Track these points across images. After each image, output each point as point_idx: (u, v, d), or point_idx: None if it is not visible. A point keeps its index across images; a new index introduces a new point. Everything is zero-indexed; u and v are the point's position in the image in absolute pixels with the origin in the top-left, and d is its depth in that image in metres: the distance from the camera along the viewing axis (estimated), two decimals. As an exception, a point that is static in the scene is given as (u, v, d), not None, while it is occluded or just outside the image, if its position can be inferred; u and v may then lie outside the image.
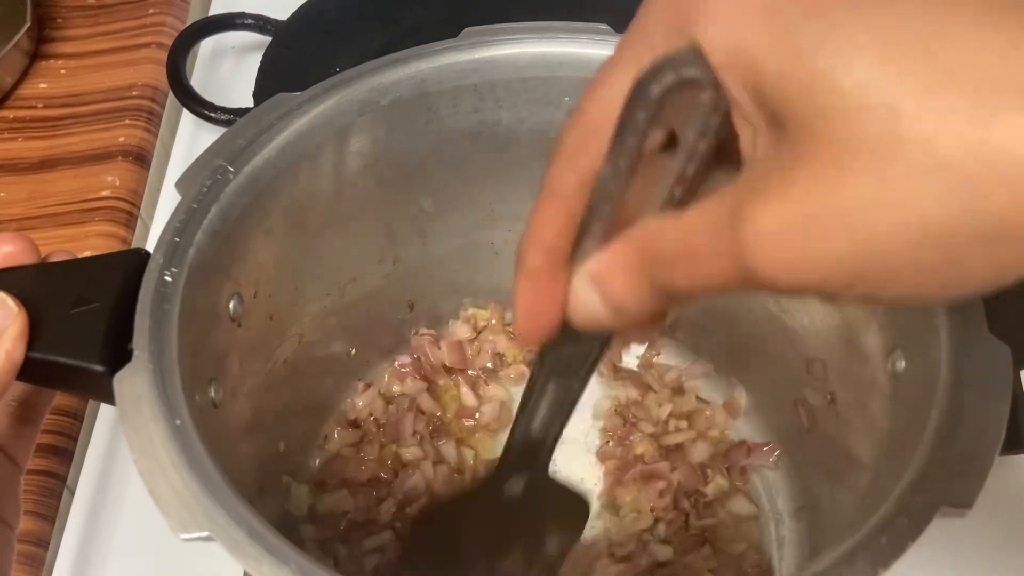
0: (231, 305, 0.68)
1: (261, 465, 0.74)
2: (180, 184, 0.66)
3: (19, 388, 0.63)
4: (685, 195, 0.43)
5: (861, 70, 0.36)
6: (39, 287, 0.60)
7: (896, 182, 0.35)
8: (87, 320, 0.59)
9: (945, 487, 0.53)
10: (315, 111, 0.71)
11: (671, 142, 0.43)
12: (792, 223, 0.37)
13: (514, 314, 0.49)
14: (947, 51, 0.35)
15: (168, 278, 0.61)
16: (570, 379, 0.55)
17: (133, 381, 0.57)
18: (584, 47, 0.73)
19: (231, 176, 0.67)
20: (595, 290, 0.45)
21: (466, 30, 0.75)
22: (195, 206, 0.65)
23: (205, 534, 0.52)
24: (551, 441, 0.60)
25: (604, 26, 0.73)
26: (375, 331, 0.90)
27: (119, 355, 0.58)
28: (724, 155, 0.43)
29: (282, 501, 0.82)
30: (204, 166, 0.67)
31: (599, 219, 0.45)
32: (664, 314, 0.47)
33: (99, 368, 0.58)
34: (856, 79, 0.36)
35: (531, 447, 0.60)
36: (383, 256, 0.83)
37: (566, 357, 0.54)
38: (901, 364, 0.65)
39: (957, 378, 0.57)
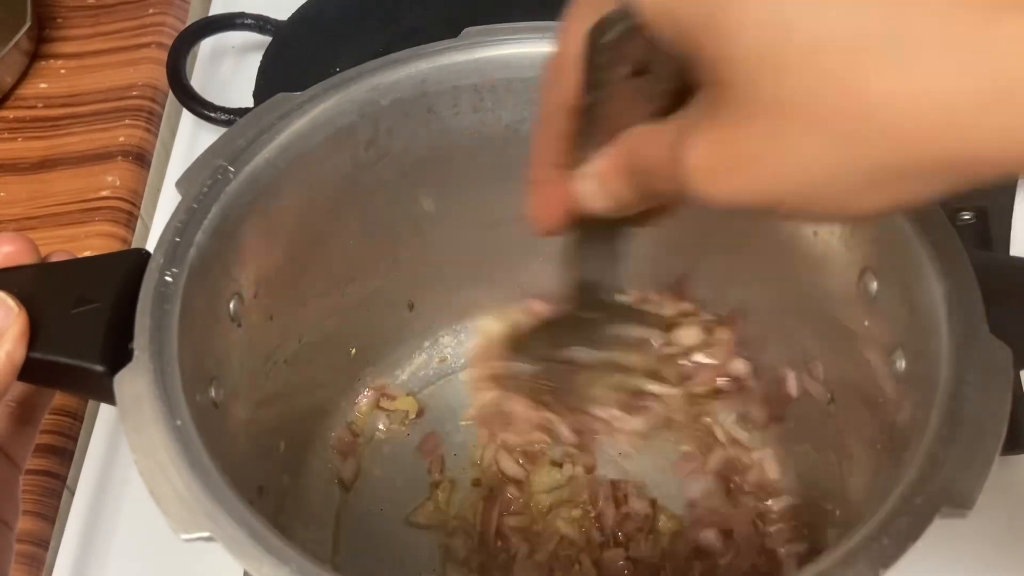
0: (231, 305, 0.68)
1: (261, 465, 0.74)
2: (180, 184, 0.66)
3: (19, 388, 0.63)
4: (667, 108, 0.48)
5: (755, 26, 0.39)
6: (39, 287, 0.60)
7: (787, 133, 0.40)
8: (87, 320, 0.59)
9: (946, 487, 0.53)
10: (315, 111, 0.71)
11: (645, 68, 0.49)
12: (719, 155, 0.42)
13: (531, 216, 0.57)
14: (835, 5, 0.38)
15: (168, 278, 0.61)
16: (605, 251, 0.60)
17: (133, 381, 0.57)
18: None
19: (231, 176, 0.67)
20: (597, 183, 0.52)
21: (466, 30, 0.75)
22: (195, 206, 0.65)
23: (206, 534, 0.52)
24: (611, 295, 0.64)
25: (602, 26, 0.73)
26: (375, 331, 0.90)
27: (119, 355, 0.58)
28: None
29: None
30: (204, 166, 0.67)
31: (590, 135, 0.52)
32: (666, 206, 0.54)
33: (99, 368, 0.58)
34: (752, 35, 0.39)
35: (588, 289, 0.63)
36: (383, 256, 0.83)
37: (592, 238, 0.60)
38: (902, 364, 0.65)
39: (958, 378, 0.57)
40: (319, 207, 0.74)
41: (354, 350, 0.89)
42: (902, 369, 0.65)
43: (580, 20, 0.49)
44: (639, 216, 0.55)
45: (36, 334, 0.59)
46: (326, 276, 0.80)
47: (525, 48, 0.74)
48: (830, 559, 0.51)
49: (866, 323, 0.69)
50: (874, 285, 0.68)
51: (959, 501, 0.52)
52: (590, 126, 0.52)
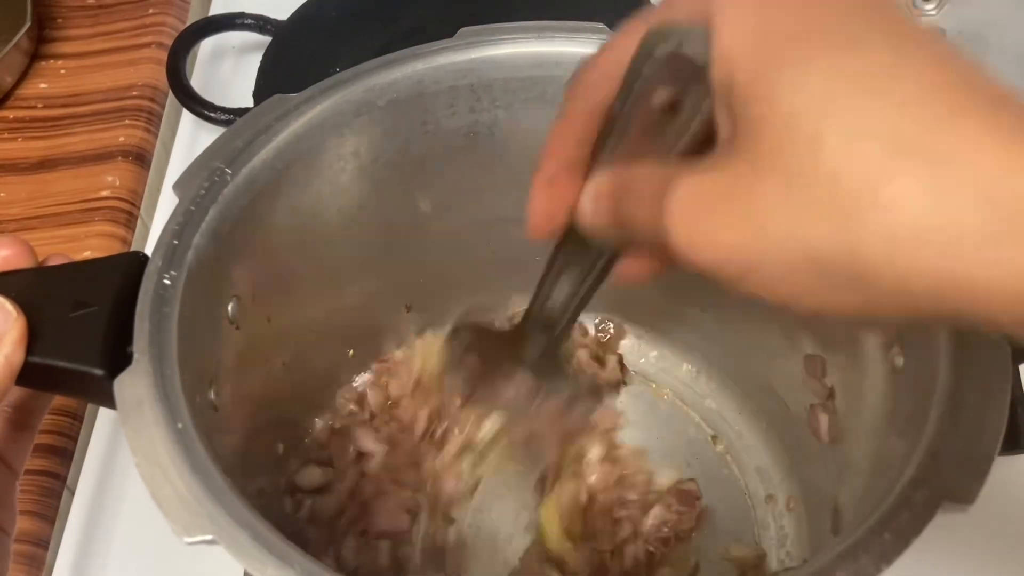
0: (230, 307, 0.68)
1: (261, 467, 0.74)
2: (177, 187, 0.66)
3: (16, 393, 0.63)
4: (682, 155, 0.49)
5: (805, 98, 0.40)
6: (37, 291, 0.60)
7: (795, 200, 0.40)
8: (86, 324, 0.59)
9: (947, 482, 0.53)
10: (312, 112, 0.71)
11: (675, 107, 0.48)
12: (703, 200, 0.43)
13: (528, 212, 0.57)
14: (883, 105, 0.39)
15: (167, 281, 0.61)
16: (581, 277, 0.61)
17: (134, 384, 0.57)
18: (581, 46, 0.73)
19: (229, 178, 0.67)
20: (589, 199, 0.52)
21: (462, 30, 0.75)
22: (193, 208, 0.65)
23: (209, 537, 0.52)
24: (564, 322, 0.64)
25: (600, 25, 0.74)
26: (373, 333, 0.90)
27: (118, 358, 0.58)
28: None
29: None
30: (201, 168, 0.67)
31: (608, 149, 0.52)
32: (657, 266, 0.54)
33: (98, 372, 0.58)
34: (798, 104, 0.40)
35: (546, 322, 0.65)
36: (381, 257, 0.83)
37: (576, 257, 0.60)
38: (900, 360, 0.65)
39: (957, 375, 0.57)
40: (316, 209, 0.74)
41: (352, 351, 0.89)
42: (900, 365, 0.65)
43: (638, 30, 0.49)
44: (619, 256, 0.56)
45: (34, 338, 0.58)
46: (323, 278, 0.80)
47: (521, 48, 0.74)
48: (832, 555, 0.51)
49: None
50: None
51: (960, 497, 0.52)
52: (610, 140, 0.52)
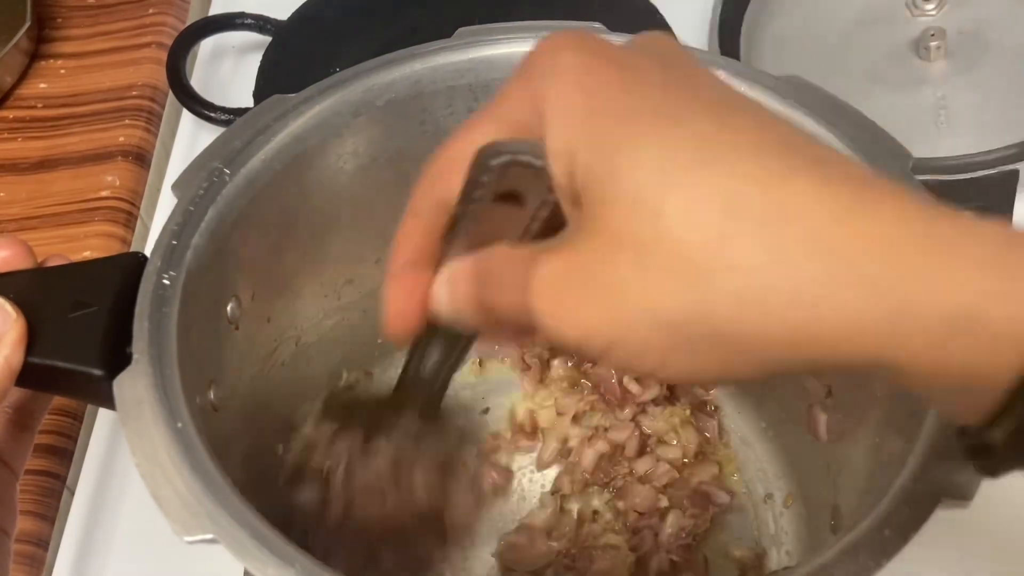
0: (229, 308, 0.68)
1: (260, 468, 0.74)
2: (176, 187, 0.66)
3: (16, 394, 0.64)
4: (533, 238, 0.51)
5: (643, 174, 0.41)
6: (36, 292, 0.60)
7: (645, 272, 0.41)
8: (85, 324, 0.59)
9: (946, 478, 0.53)
10: (311, 112, 0.71)
11: (521, 198, 0.50)
12: (564, 279, 0.44)
13: (385, 312, 0.56)
14: (713, 173, 0.41)
15: (166, 281, 0.61)
16: (448, 349, 0.62)
17: (133, 384, 0.57)
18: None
19: (227, 178, 0.67)
20: (446, 289, 0.52)
21: (460, 30, 0.75)
22: (192, 209, 0.65)
23: (209, 536, 0.53)
24: (439, 385, 0.64)
25: (598, 24, 0.74)
26: (372, 333, 0.89)
27: (118, 359, 0.58)
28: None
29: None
30: (200, 168, 0.67)
31: (457, 239, 0.52)
32: (524, 333, 0.53)
33: (98, 372, 0.58)
34: (638, 179, 0.41)
35: (419, 389, 0.64)
36: (380, 257, 0.81)
37: (439, 344, 0.61)
38: (900, 355, 0.65)
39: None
40: (315, 209, 0.74)
41: (351, 352, 0.89)
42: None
43: (479, 130, 0.51)
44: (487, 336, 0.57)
45: (34, 339, 0.59)
46: (323, 278, 0.80)
47: (519, 48, 0.73)
48: (833, 551, 0.52)
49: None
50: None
51: (960, 492, 0.53)
52: (458, 233, 0.52)
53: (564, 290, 0.44)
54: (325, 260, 0.78)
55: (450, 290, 0.52)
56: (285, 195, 0.71)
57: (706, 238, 0.40)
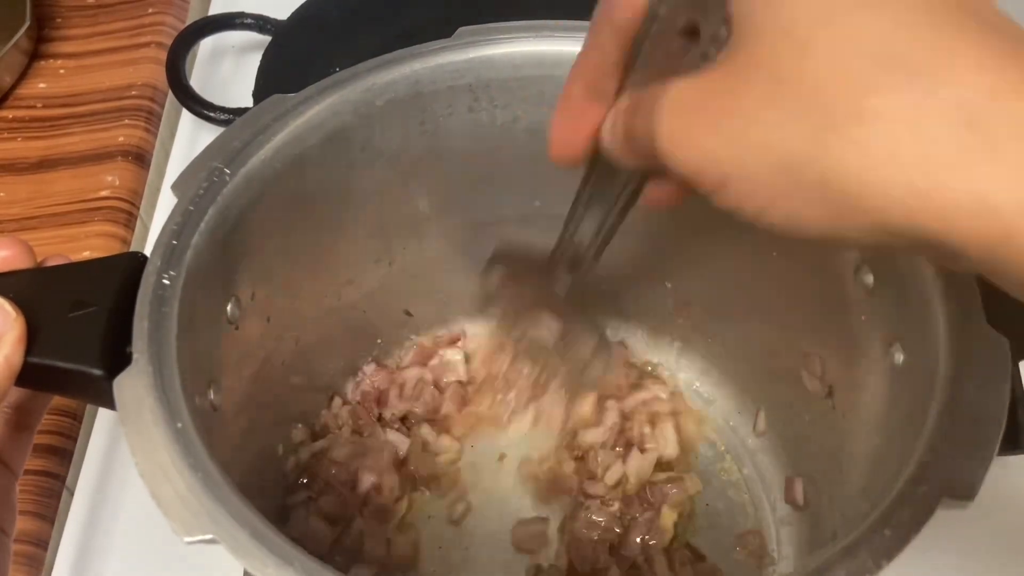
0: (229, 308, 0.68)
1: (259, 469, 0.74)
2: (176, 187, 0.66)
3: (15, 394, 0.64)
4: None
5: (804, 8, 0.41)
6: (36, 292, 0.60)
7: (776, 107, 0.41)
8: (85, 324, 0.59)
9: (947, 478, 0.53)
10: (310, 112, 0.71)
11: (694, 33, 0.49)
12: (690, 103, 0.44)
13: (550, 135, 0.57)
14: (879, 20, 0.40)
15: (166, 281, 0.61)
16: (605, 212, 0.62)
17: (133, 384, 0.57)
18: (578, 45, 0.71)
19: (227, 178, 0.67)
20: (609, 122, 0.53)
21: (460, 30, 0.75)
22: (192, 208, 0.65)
23: (209, 536, 0.52)
24: (591, 254, 0.66)
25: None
26: (372, 333, 0.90)
27: (117, 359, 0.58)
28: None
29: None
30: (200, 168, 0.67)
31: (636, 75, 0.52)
32: (679, 192, 0.55)
33: (97, 372, 0.58)
34: (797, 13, 0.41)
35: (572, 257, 0.67)
36: (379, 257, 0.84)
37: (601, 190, 0.61)
38: (900, 357, 0.65)
39: (957, 370, 0.58)
40: (315, 209, 0.75)
41: (351, 352, 0.89)
42: (900, 362, 0.65)
43: None
44: (641, 187, 0.57)
45: (34, 338, 0.58)
46: (323, 278, 0.80)
47: (519, 47, 0.74)
48: (833, 551, 0.52)
49: (863, 318, 0.70)
50: (870, 279, 0.68)
51: (961, 492, 0.53)
52: (636, 68, 0.52)
53: (688, 113, 0.44)
54: (325, 260, 0.79)
55: (612, 123, 0.52)
56: (285, 195, 0.71)
57: (849, 82, 0.39)
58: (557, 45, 0.74)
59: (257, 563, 0.51)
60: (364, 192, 0.77)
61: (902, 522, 0.52)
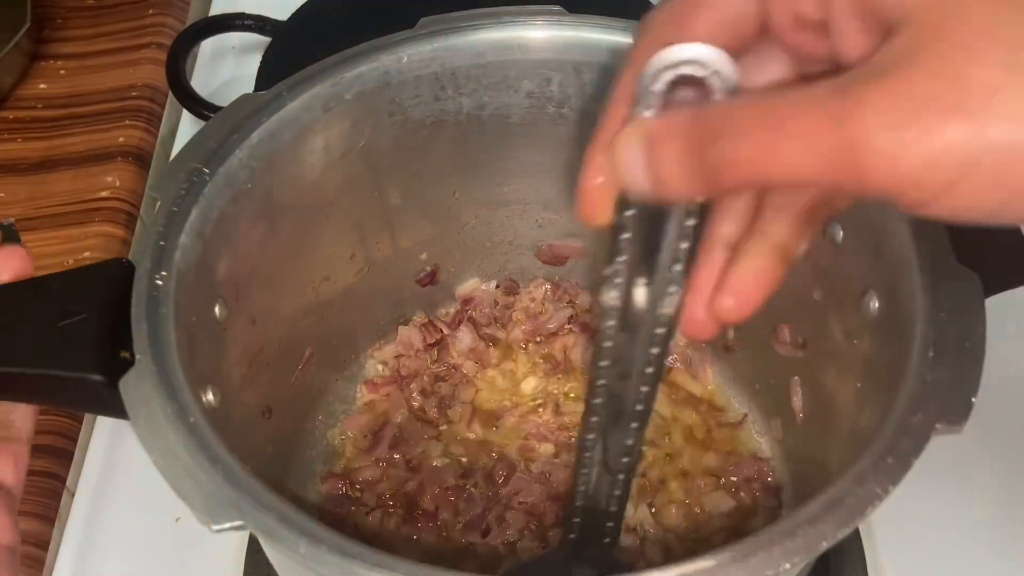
0: (216, 309, 0.68)
1: (257, 469, 0.75)
2: (155, 189, 0.66)
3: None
4: None
5: None
6: (23, 303, 0.61)
7: (1018, 79, 0.37)
8: (76, 332, 0.59)
9: (939, 407, 0.56)
10: (283, 109, 0.71)
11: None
12: (908, 104, 0.38)
13: (579, 191, 0.52)
14: None
15: (159, 282, 0.62)
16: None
17: (139, 385, 0.57)
18: (539, 30, 0.74)
19: (207, 178, 0.67)
20: (642, 150, 0.46)
21: (423, 20, 0.76)
22: (175, 209, 0.65)
23: (238, 523, 0.53)
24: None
25: (557, 7, 0.75)
26: (352, 331, 0.91)
27: (114, 363, 0.59)
28: None
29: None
30: (178, 169, 0.67)
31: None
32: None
33: (97, 378, 0.58)
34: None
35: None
36: (354, 253, 0.84)
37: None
38: (875, 304, 0.67)
39: (935, 308, 0.60)
40: (291, 205, 0.75)
41: (334, 348, 0.90)
42: (875, 309, 0.67)
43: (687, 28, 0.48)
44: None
45: (25, 350, 0.59)
46: (301, 275, 0.80)
47: (482, 34, 0.75)
48: (842, 482, 0.54)
49: (834, 271, 0.71)
50: (840, 234, 0.69)
51: (953, 419, 0.55)
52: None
53: (908, 115, 0.38)
54: (302, 256, 0.79)
55: (649, 153, 0.45)
56: (262, 192, 0.71)
57: None
58: (518, 30, 0.75)
59: (289, 544, 0.52)
60: (336, 187, 0.77)
61: (903, 450, 0.54)
